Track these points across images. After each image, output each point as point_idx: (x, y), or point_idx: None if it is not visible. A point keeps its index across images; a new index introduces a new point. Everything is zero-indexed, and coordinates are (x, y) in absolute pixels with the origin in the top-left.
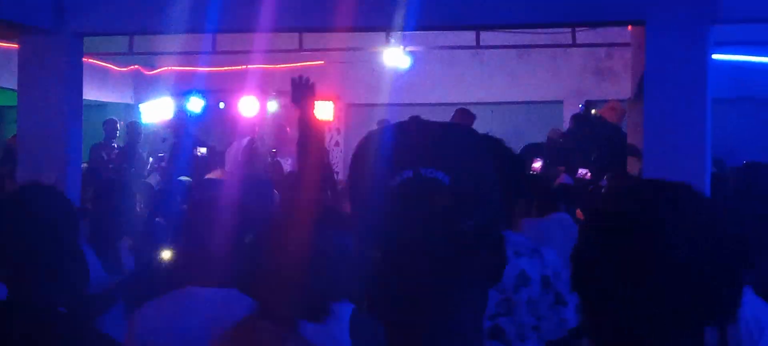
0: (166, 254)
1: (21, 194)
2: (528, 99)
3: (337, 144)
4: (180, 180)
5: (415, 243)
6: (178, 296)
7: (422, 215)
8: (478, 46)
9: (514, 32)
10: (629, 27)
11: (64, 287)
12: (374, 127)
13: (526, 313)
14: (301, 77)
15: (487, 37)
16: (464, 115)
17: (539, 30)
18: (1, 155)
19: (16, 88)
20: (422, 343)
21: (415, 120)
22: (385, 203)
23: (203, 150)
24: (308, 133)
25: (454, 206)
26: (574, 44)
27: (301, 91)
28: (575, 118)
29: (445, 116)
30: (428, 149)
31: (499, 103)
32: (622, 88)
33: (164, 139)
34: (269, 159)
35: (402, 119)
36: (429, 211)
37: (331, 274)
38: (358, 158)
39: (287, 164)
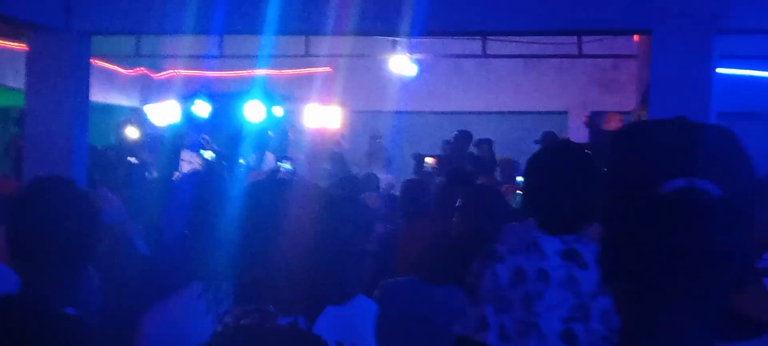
0: None
1: (43, 186)
2: (533, 109)
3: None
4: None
5: (677, 256)
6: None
7: (689, 228)
8: (484, 55)
9: (521, 42)
10: (636, 38)
11: (78, 287)
12: (376, 135)
13: (599, 322)
14: None
15: (494, 46)
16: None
17: (546, 40)
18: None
19: (19, 87)
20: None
21: (683, 121)
22: (648, 208)
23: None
24: None
25: (722, 223)
26: (581, 55)
27: None
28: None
29: (451, 125)
30: (701, 157)
31: (505, 113)
32: (626, 99)
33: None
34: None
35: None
36: (697, 225)
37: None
38: (621, 150)
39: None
